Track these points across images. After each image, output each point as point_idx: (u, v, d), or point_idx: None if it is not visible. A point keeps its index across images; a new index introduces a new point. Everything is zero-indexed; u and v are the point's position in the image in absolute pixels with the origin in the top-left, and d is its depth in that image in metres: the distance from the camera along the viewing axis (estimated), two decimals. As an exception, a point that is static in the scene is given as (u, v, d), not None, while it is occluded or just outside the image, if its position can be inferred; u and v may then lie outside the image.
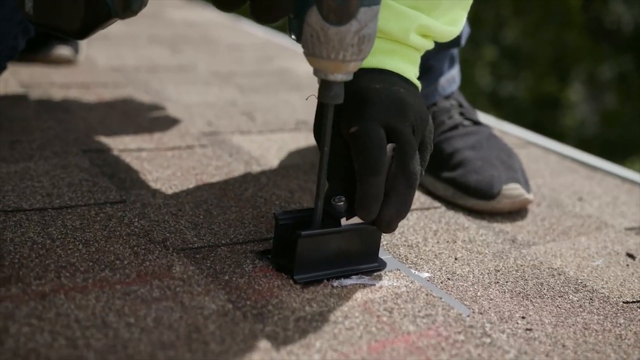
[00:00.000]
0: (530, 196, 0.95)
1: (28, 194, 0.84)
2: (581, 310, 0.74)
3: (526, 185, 0.97)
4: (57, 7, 0.72)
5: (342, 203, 0.74)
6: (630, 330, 0.71)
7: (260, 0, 0.66)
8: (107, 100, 1.27)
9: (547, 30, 5.28)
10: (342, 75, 0.68)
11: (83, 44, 1.49)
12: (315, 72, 0.69)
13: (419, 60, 0.82)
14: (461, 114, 1.05)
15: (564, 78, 5.34)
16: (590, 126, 5.27)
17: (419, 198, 0.98)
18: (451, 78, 1.08)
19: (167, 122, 1.18)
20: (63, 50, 1.44)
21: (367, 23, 0.66)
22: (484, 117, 1.44)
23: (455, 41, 1.03)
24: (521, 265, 0.82)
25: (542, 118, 4.92)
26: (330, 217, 0.74)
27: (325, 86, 0.69)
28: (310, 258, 0.73)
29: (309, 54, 0.68)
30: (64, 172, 0.92)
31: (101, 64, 1.51)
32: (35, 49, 1.41)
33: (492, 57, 5.32)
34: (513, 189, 0.94)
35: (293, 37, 0.69)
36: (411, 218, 0.92)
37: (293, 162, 1.07)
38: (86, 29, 0.75)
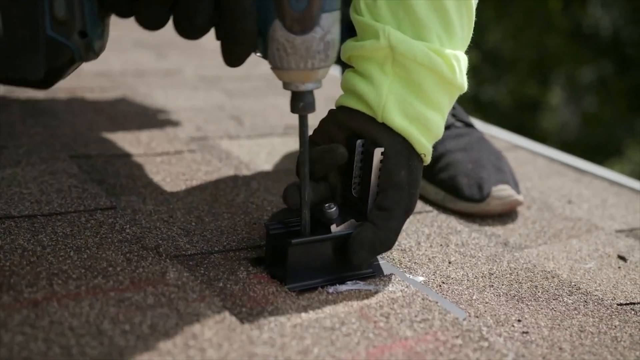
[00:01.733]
0: (520, 197, 0.96)
1: (16, 201, 0.83)
2: (576, 312, 0.74)
3: (516, 187, 0.97)
4: (18, 59, 0.71)
5: (333, 210, 0.74)
6: (626, 332, 0.71)
7: (226, 46, 0.68)
8: (94, 105, 1.26)
9: (528, 34, 5.32)
10: (312, 84, 0.69)
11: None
12: (286, 86, 0.69)
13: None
14: (453, 115, 1.05)
15: (545, 81, 5.39)
16: (570, 129, 5.32)
17: (411, 202, 0.98)
18: None
19: (155, 127, 1.17)
20: None
21: (330, 28, 0.67)
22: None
23: None
24: (515, 269, 0.82)
25: (524, 122, 4.96)
26: (322, 224, 0.74)
27: (297, 97, 0.69)
28: (302, 266, 0.73)
29: (277, 68, 0.68)
30: (53, 178, 0.91)
31: (86, 68, 1.50)
32: None
33: (473, 61, 5.35)
34: (502, 190, 0.94)
35: (259, 54, 0.69)
36: (403, 222, 0.91)
37: (283, 166, 1.06)
38: (50, 78, 0.73)
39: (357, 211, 0.75)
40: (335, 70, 1.80)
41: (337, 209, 0.74)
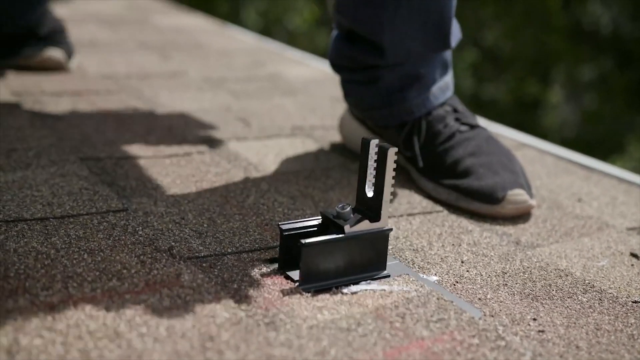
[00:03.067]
0: (533, 202, 0.95)
1: (28, 203, 0.83)
2: (591, 310, 0.74)
3: (529, 190, 0.97)
4: None
5: (347, 210, 0.74)
6: (642, 330, 0.71)
7: None
8: (100, 107, 1.26)
9: (527, 32, 5.32)
10: None
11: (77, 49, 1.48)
12: None
13: None
14: (457, 119, 1.04)
15: (544, 79, 5.39)
16: (571, 127, 5.32)
17: (421, 202, 0.98)
18: (444, 86, 1.06)
19: (163, 129, 1.17)
20: (54, 53, 1.42)
21: None
22: (477, 120, 1.45)
23: (444, 42, 1.03)
24: (528, 267, 0.82)
25: (524, 120, 4.95)
26: (336, 224, 0.74)
27: None
28: (316, 266, 0.72)
29: None
30: (63, 180, 0.91)
31: (92, 71, 1.50)
32: (24, 52, 1.40)
33: (473, 59, 5.34)
34: (518, 195, 0.94)
35: None
36: (414, 222, 0.91)
37: (292, 168, 1.06)
38: None
39: (372, 211, 0.75)
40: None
41: (350, 209, 0.74)
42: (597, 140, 4.89)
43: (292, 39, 5.37)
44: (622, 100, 5.08)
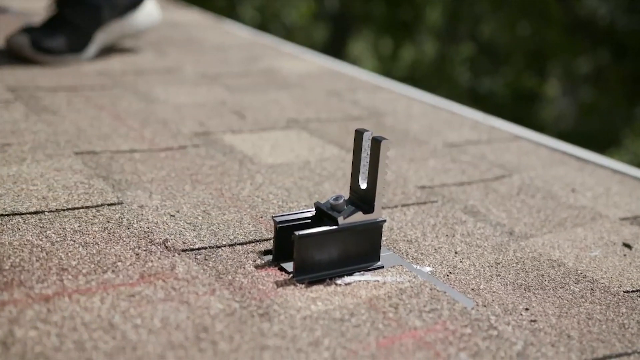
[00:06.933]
0: None
1: (23, 197, 0.83)
2: (583, 300, 0.74)
3: None
4: None
5: (340, 202, 0.74)
6: (633, 319, 0.71)
7: None
8: (96, 102, 1.26)
9: (524, 25, 5.32)
10: None
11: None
12: None
13: None
14: None
15: (541, 73, 5.39)
16: (567, 120, 5.32)
17: (415, 192, 0.98)
18: None
19: (158, 123, 1.17)
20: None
21: None
22: (470, 112, 1.45)
23: None
24: (521, 258, 0.83)
25: (521, 113, 4.96)
26: (330, 216, 0.74)
27: None
28: (310, 258, 0.73)
29: None
30: (58, 174, 0.91)
31: (86, 67, 1.50)
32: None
33: (470, 53, 5.35)
34: None
35: None
36: (409, 213, 0.92)
37: (287, 160, 1.06)
38: None
39: (365, 203, 0.75)
40: (335, 65, 1.81)
41: (344, 201, 0.74)
42: (594, 133, 4.90)
43: (289, 34, 5.37)
44: (618, 93, 5.09)
